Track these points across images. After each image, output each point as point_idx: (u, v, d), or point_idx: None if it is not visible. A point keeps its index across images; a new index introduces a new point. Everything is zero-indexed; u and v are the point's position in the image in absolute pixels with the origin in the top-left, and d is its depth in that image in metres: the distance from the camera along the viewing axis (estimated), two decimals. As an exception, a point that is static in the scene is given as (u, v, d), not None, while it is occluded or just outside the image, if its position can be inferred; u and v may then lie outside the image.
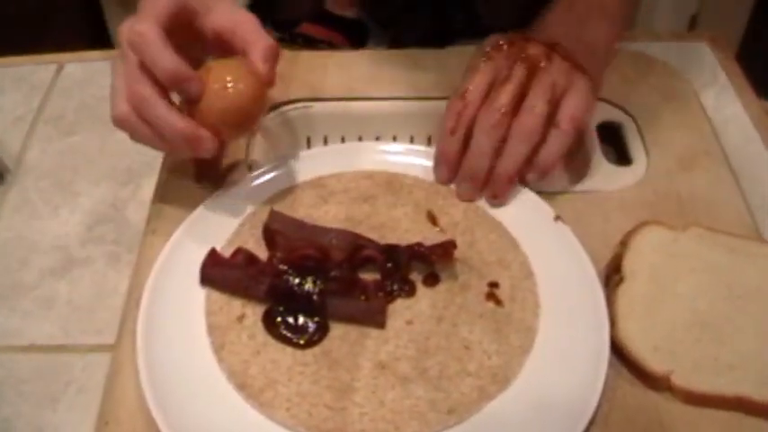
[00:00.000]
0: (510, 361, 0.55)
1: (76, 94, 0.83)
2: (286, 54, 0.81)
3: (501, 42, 0.67)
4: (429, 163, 0.68)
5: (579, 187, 0.69)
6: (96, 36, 1.42)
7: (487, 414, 0.53)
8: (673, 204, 0.65)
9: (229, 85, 0.58)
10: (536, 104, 0.63)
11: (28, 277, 0.65)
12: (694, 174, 0.67)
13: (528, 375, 0.54)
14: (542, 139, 0.64)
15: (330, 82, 0.77)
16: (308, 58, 0.80)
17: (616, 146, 0.74)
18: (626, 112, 0.74)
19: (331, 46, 0.85)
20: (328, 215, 0.65)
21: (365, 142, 0.76)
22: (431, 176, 0.68)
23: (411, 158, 0.69)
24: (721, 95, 0.78)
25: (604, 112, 0.75)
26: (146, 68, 0.56)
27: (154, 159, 0.73)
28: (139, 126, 0.57)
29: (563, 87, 0.64)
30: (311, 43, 0.86)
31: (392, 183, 0.67)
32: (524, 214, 0.64)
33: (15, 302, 0.64)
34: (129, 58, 0.57)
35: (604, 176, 0.69)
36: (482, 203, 0.66)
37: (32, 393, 0.58)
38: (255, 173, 0.68)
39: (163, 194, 0.68)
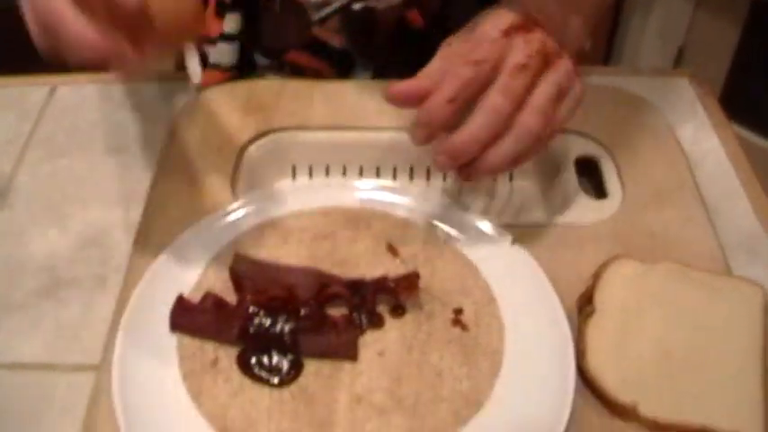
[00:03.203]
0: (480, 384, 0.57)
1: (68, 116, 0.83)
2: (272, 84, 0.83)
3: (518, 23, 0.62)
4: (385, 197, 0.70)
5: (554, 220, 0.71)
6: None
7: None
8: (645, 238, 0.67)
9: None
10: (546, 108, 0.59)
11: (15, 297, 0.66)
12: (667, 209, 0.69)
13: (499, 397, 0.56)
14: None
15: (316, 112, 0.79)
16: (294, 87, 0.82)
17: (593, 180, 0.76)
18: (604, 147, 0.76)
19: (318, 74, 0.87)
20: (290, 254, 0.66)
21: (316, 179, 0.78)
22: (387, 209, 0.69)
23: (367, 194, 0.71)
24: (699, 131, 0.79)
25: (583, 147, 0.77)
26: None
27: (141, 184, 0.74)
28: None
29: (563, 92, 0.61)
30: (298, 71, 0.87)
31: (349, 218, 0.68)
32: (483, 240, 0.66)
33: (1, 321, 0.64)
34: None
35: (580, 210, 0.71)
36: (441, 234, 0.67)
37: (16, 412, 0.59)
38: (215, 216, 0.68)
39: (150, 218, 0.70)
